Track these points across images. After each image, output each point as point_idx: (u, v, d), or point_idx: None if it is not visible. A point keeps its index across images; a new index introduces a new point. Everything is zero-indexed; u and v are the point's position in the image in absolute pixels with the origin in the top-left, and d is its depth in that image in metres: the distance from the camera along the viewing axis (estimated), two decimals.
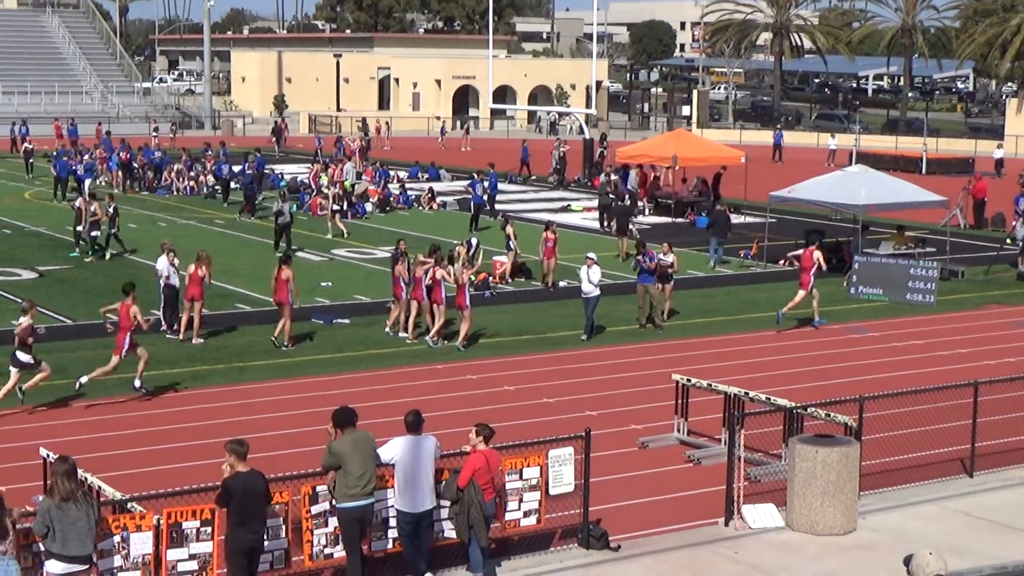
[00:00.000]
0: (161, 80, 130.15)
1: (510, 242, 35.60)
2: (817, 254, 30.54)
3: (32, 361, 22.67)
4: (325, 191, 50.99)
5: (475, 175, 47.50)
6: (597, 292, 28.89)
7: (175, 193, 55.57)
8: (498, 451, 15.67)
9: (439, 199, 52.51)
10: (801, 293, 30.17)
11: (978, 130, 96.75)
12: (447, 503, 15.43)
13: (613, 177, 49.60)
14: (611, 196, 47.26)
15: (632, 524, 17.49)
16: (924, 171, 68.31)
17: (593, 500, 16.76)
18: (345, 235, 43.03)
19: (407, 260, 29.10)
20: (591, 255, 29.31)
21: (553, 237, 34.12)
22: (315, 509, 14.85)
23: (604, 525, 16.79)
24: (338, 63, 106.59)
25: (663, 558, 16.36)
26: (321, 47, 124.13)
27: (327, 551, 14.93)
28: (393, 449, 14.95)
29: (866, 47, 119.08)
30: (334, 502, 14.73)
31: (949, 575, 9.17)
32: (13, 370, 22.54)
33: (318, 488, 14.86)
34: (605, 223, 46.34)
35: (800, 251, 31.54)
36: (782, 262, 37.69)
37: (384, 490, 15.13)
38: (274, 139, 77.05)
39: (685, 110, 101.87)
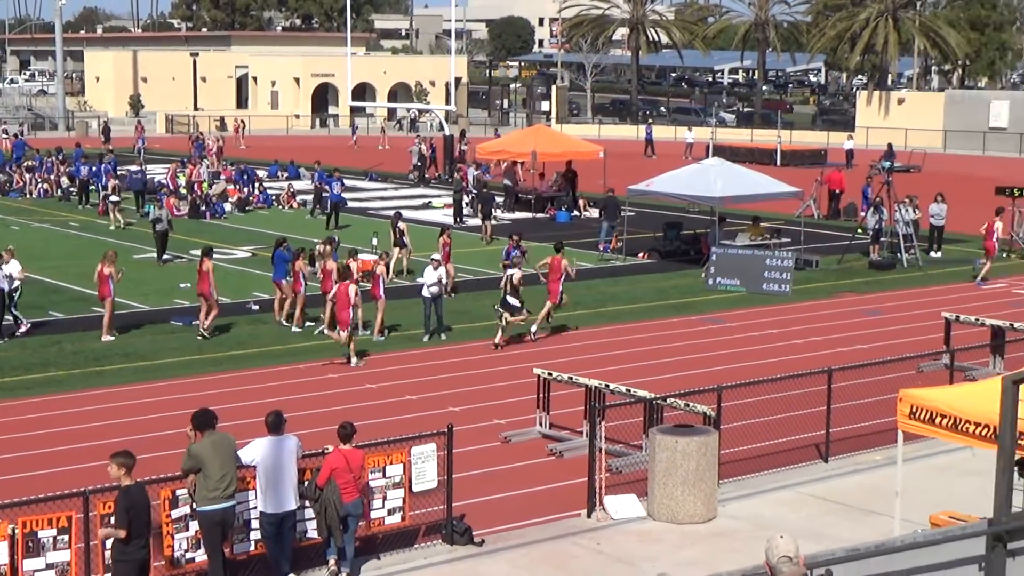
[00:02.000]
0: (12, 81, 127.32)
1: (404, 238, 35.62)
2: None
3: None
4: (183, 191, 50.44)
5: (331, 173, 47.26)
6: (439, 291, 28.76)
7: (28, 196, 54.48)
8: (360, 450, 15.65)
9: (299, 198, 52.14)
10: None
11: (830, 122, 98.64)
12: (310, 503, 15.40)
13: (475, 172, 49.63)
14: (472, 190, 47.46)
15: (496, 518, 17.57)
16: (779, 163, 69.46)
17: (457, 496, 16.81)
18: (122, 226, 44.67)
19: (309, 256, 29.63)
20: (436, 256, 29.29)
21: (449, 242, 33.85)
22: (175, 513, 14.69)
23: (468, 520, 16.85)
24: (195, 62, 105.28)
25: (527, 551, 16.47)
26: (177, 46, 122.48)
27: (188, 555, 14.78)
28: (254, 450, 14.85)
29: (721, 42, 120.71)
30: (194, 505, 14.58)
31: (806, 559, 9.36)
32: None
33: (178, 492, 14.70)
34: (459, 218, 46.49)
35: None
36: (642, 255, 38.24)
37: (246, 492, 15.02)
38: (103, 138, 75.47)
39: (544, 105, 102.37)
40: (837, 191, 50.48)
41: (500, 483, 19.23)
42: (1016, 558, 9.91)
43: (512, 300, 28.09)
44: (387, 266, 29.88)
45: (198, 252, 38.72)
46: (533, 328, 28.81)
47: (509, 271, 28.82)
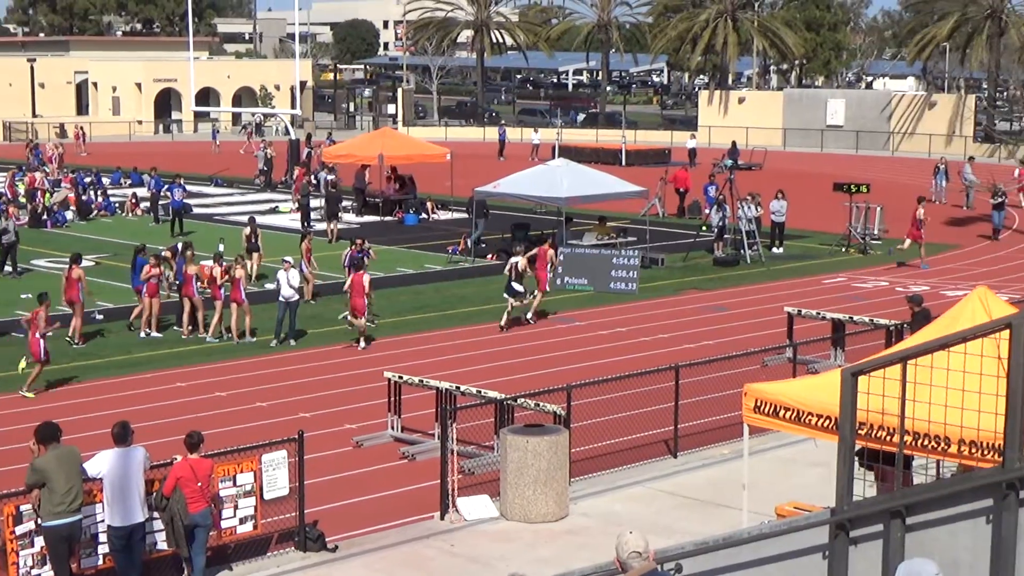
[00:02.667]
0: None
1: (258, 241, 35.32)
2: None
3: None
4: (22, 200, 49.31)
5: (173, 179, 46.57)
6: (296, 296, 28.63)
7: None
8: (209, 459, 15.47)
9: (143, 205, 51.27)
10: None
11: (673, 121, 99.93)
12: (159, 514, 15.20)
13: (329, 177, 49.27)
14: (331, 190, 47.30)
15: (349, 523, 17.51)
16: (624, 163, 70.18)
17: (309, 502, 16.72)
18: None
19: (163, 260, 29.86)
20: (288, 259, 29.10)
21: (310, 247, 33.48)
22: (20, 529, 14.37)
23: (321, 526, 16.78)
24: (32, 68, 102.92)
25: (381, 555, 16.44)
26: (14, 51, 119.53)
27: (35, 572, 14.47)
28: (100, 463, 14.60)
29: (565, 43, 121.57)
30: (40, 521, 14.29)
31: (657, 554, 9.50)
32: None
33: (22, 508, 14.39)
34: (307, 222, 46.17)
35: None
36: (491, 256, 38.38)
37: (92, 505, 14.76)
38: None
39: (391, 108, 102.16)
40: (682, 190, 51.17)
41: (353, 488, 19.17)
42: (858, 546, 10.16)
43: (516, 286, 29.93)
44: (245, 270, 29.68)
45: (41, 262, 37.88)
46: (529, 314, 30.71)
47: (513, 259, 30.31)
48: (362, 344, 28.25)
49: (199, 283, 29.23)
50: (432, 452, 19.67)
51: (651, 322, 31.23)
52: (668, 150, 75.59)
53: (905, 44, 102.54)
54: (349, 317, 28.36)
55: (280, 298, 28.44)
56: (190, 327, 29.14)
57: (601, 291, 34.60)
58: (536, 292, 31.11)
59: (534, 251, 31.57)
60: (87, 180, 53.65)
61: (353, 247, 31.15)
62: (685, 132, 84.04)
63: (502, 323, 30.08)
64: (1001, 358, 9.72)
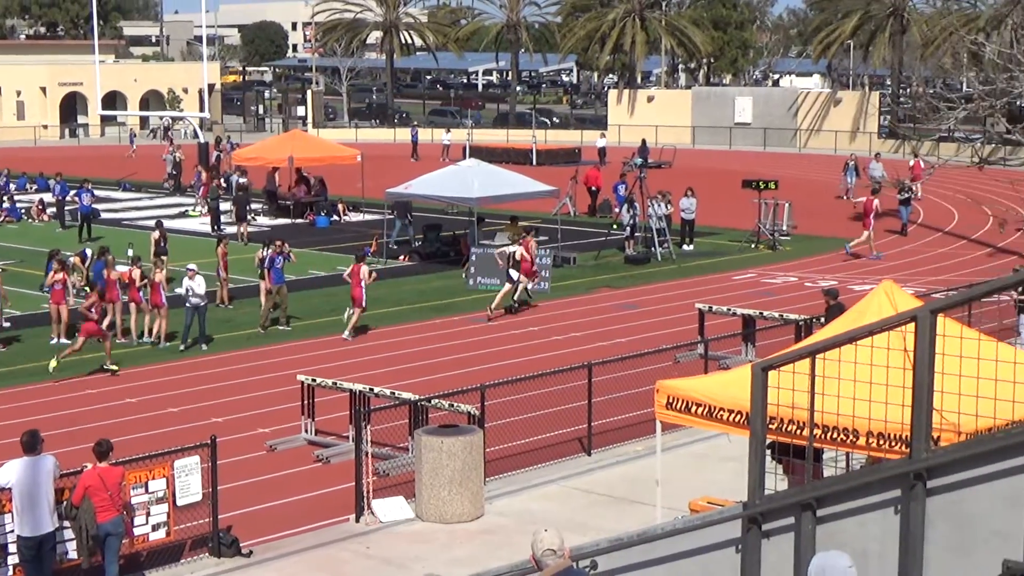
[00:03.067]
0: None
1: (166, 245, 35.08)
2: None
3: None
4: None
5: (81, 184, 46.03)
6: (204, 302, 28.40)
7: None
8: (119, 467, 15.30)
9: (49, 210, 50.58)
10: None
11: (583, 121, 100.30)
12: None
13: (241, 180, 48.93)
14: (239, 193, 47.05)
15: (264, 528, 17.41)
16: (535, 162, 70.33)
17: (223, 507, 16.61)
18: None
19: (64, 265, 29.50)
20: (192, 267, 28.75)
21: (226, 252, 33.14)
22: None
23: (235, 532, 16.66)
24: None
25: (296, 559, 16.37)
26: None
27: None
28: (8, 472, 14.41)
29: (474, 43, 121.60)
30: None
31: (572, 551, 9.54)
32: None
33: None
34: (217, 226, 45.89)
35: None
36: (403, 257, 38.41)
37: (1, 515, 14.55)
38: None
39: (300, 110, 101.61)
40: (594, 188, 51.36)
41: (267, 492, 19.06)
42: (770, 539, 10.26)
43: (514, 273, 31.67)
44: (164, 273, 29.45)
45: None
46: (493, 304, 31.62)
47: (511, 248, 32.11)
48: (347, 334, 29.07)
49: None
50: (346, 454, 19.60)
51: (564, 320, 31.33)
52: (578, 149, 75.85)
53: (810, 42, 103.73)
54: (349, 311, 29.27)
55: (187, 305, 28.24)
56: (112, 332, 28.93)
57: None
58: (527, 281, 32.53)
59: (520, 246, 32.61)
60: (9, 186, 52.87)
61: (273, 248, 30.99)
62: (595, 131, 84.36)
63: (491, 309, 31.41)
64: (907, 351, 9.87)
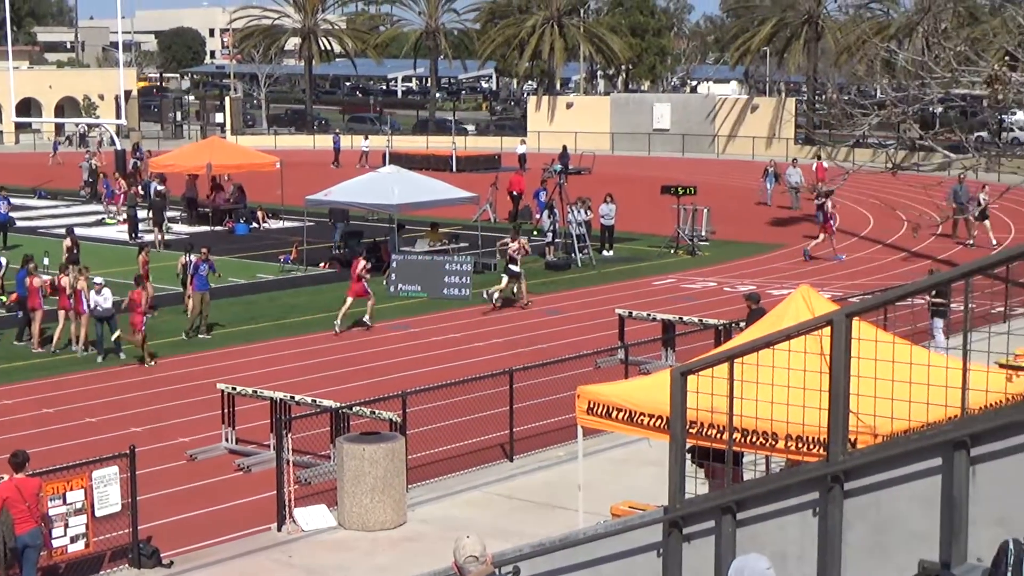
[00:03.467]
0: None
1: (78, 252, 34.92)
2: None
3: None
4: None
5: None
6: (112, 312, 28.11)
7: None
8: (36, 478, 15.14)
9: None
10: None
11: (503, 127, 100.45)
12: None
13: (159, 187, 48.51)
14: (156, 199, 46.81)
15: (185, 538, 17.30)
16: (455, 169, 70.35)
17: (143, 518, 16.50)
18: None
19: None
20: (98, 280, 28.41)
21: (147, 260, 32.84)
22: None
23: (156, 542, 16.55)
24: None
25: (218, 569, 16.29)
26: None
27: None
28: None
29: (393, 50, 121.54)
30: None
31: (494, 557, 9.59)
32: None
33: None
34: (135, 234, 45.54)
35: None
36: (323, 264, 38.27)
37: None
38: None
39: (219, 117, 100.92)
40: (516, 193, 51.42)
41: (188, 502, 18.94)
42: (691, 542, 10.37)
43: (514, 268, 33.17)
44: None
45: None
46: (495, 294, 33.19)
47: (513, 243, 33.51)
48: (337, 327, 30.16)
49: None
50: (268, 463, 19.53)
51: (485, 327, 31.39)
52: (498, 156, 75.92)
53: (727, 49, 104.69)
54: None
55: (94, 316, 28.07)
56: (29, 339, 28.77)
57: (435, 297, 34.66)
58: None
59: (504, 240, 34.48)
60: None
61: (197, 255, 30.83)
62: (515, 138, 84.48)
63: (496, 298, 33.05)
64: (824, 354, 10.00)
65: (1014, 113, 76.94)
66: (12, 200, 47.59)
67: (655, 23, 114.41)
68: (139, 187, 56.66)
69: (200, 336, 30.00)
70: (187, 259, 30.97)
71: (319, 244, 41.22)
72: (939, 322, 26.37)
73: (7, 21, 76.59)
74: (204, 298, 30.28)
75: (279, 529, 17.49)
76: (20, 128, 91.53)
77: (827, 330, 9.80)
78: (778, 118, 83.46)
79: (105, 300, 27.67)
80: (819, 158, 58.22)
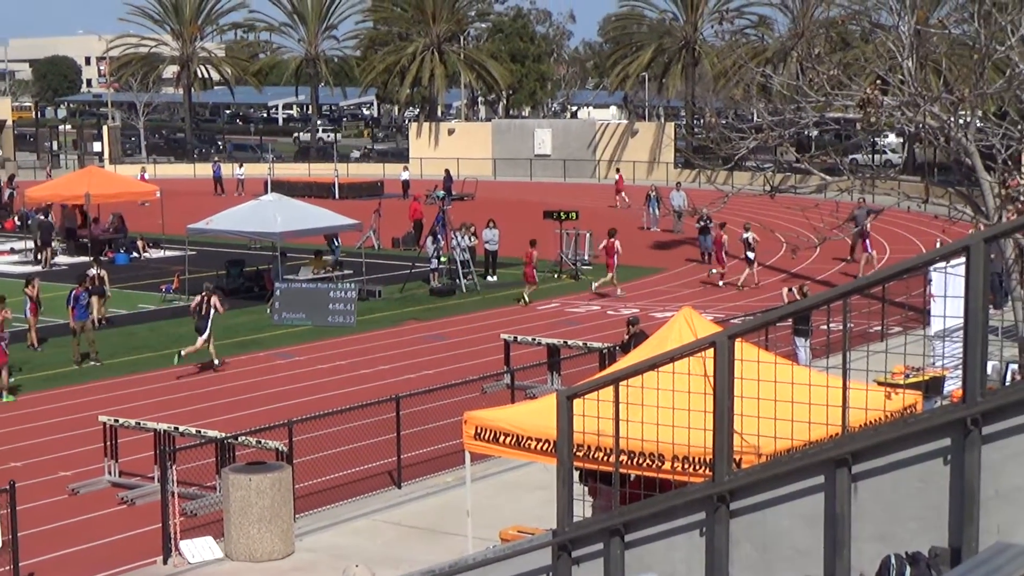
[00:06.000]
0: None
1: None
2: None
3: None
4: None
5: None
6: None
7: None
8: None
9: None
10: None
11: (385, 154, 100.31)
12: None
13: (41, 217, 47.87)
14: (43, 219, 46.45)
15: (69, 574, 17.05)
16: (337, 196, 70.11)
17: (24, 554, 16.23)
18: None
19: None
20: None
21: (35, 292, 32.22)
22: None
23: None
24: None
25: None
26: None
27: None
28: None
29: (274, 77, 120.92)
30: None
31: None
32: None
33: None
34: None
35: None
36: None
37: None
38: None
39: (96, 146, 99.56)
40: (418, 220, 51.24)
41: (71, 537, 18.63)
42: (580, 565, 10.44)
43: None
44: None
45: None
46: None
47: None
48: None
49: None
50: (152, 495, 19.30)
51: (371, 354, 31.30)
52: (381, 182, 75.81)
53: (607, 74, 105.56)
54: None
55: None
56: None
57: (319, 325, 34.49)
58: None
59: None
60: None
61: (80, 286, 30.58)
62: (397, 164, 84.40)
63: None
64: (708, 376, 10.14)
65: (886, 136, 78.62)
66: None
67: (535, 49, 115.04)
68: (14, 218, 55.88)
69: (91, 363, 29.74)
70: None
71: (201, 273, 40.79)
72: (801, 340, 26.83)
73: None
74: (85, 326, 30.09)
75: (165, 562, 17.29)
76: None
77: (710, 351, 9.95)
78: (658, 142, 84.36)
79: None
80: (619, 171, 59.94)
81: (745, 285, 40.30)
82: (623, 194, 66.15)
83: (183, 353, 29.03)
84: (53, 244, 46.70)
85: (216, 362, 29.69)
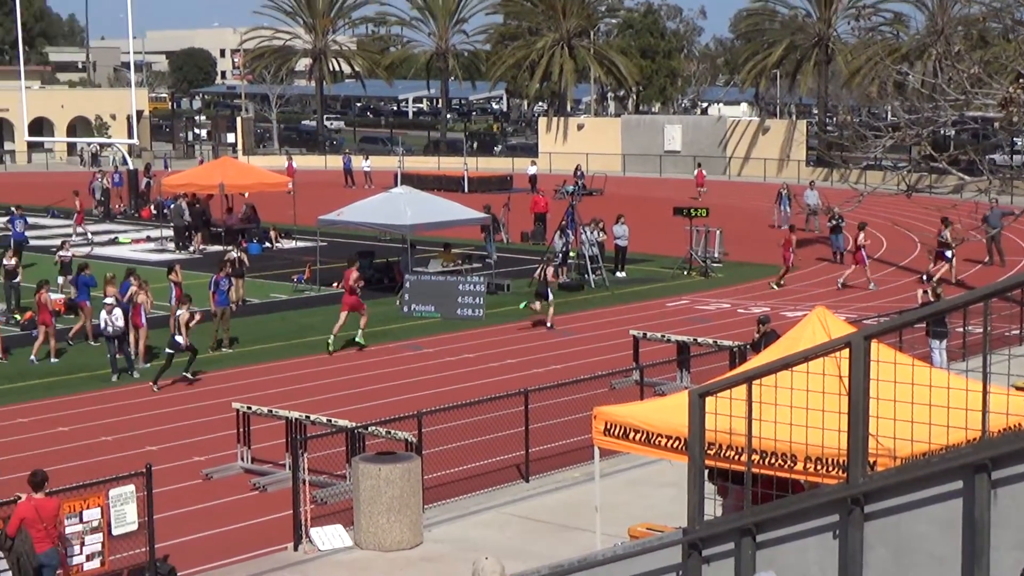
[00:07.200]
0: None
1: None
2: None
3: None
4: None
5: (13, 210, 45.66)
6: (122, 332, 28.20)
7: None
8: (54, 497, 15.18)
9: None
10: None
11: (514, 148, 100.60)
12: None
13: (196, 204, 49.00)
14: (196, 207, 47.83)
15: (201, 557, 17.34)
16: (466, 189, 70.43)
17: (159, 536, 16.53)
18: None
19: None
20: (109, 300, 28.44)
21: (179, 280, 32.88)
22: None
23: (172, 561, 16.59)
24: None
25: None
26: None
27: None
28: None
29: (404, 71, 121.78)
30: None
31: None
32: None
33: None
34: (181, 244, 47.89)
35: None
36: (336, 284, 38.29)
37: None
38: None
39: (230, 137, 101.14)
40: (541, 214, 51.43)
41: (204, 521, 18.97)
42: (710, 564, 10.39)
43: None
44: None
45: None
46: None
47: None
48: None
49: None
50: (284, 483, 19.56)
51: (499, 347, 31.42)
52: (510, 176, 76.04)
53: (738, 71, 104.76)
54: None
55: (103, 336, 28.28)
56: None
57: (448, 318, 34.70)
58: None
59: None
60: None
61: (220, 271, 31.27)
62: (526, 158, 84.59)
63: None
64: (842, 376, 10.04)
65: None
66: (28, 219, 47.76)
67: (665, 45, 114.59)
68: (151, 206, 56.95)
69: (223, 350, 30.28)
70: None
71: (332, 264, 41.25)
72: (936, 343, 26.37)
73: (19, 41, 76.82)
74: (224, 313, 30.64)
75: (295, 549, 17.52)
76: (32, 147, 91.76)
77: (845, 352, 9.84)
78: (789, 140, 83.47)
79: (116, 320, 27.73)
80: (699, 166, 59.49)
81: (943, 279, 39.79)
82: (703, 188, 67.73)
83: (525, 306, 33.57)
84: (193, 233, 47.98)
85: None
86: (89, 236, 44.86)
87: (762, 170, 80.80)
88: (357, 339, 30.84)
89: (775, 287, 39.79)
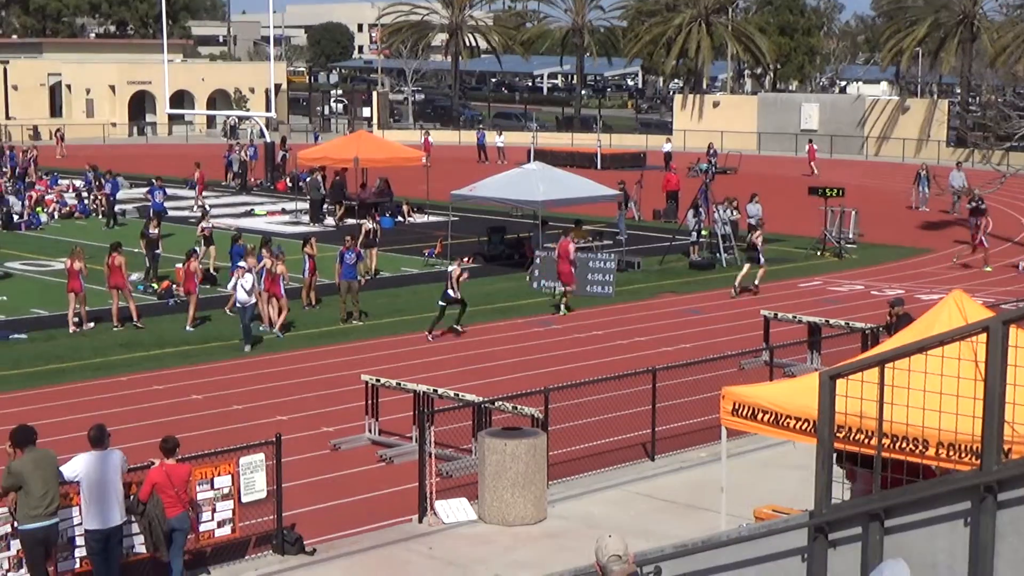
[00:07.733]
0: None
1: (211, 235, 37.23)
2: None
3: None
4: None
5: (153, 181, 46.55)
6: (252, 300, 28.66)
7: None
8: (186, 464, 15.42)
9: (118, 207, 51.05)
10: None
11: (648, 125, 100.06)
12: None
13: (319, 177, 49.62)
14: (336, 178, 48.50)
15: (327, 527, 17.50)
16: (599, 166, 70.21)
17: (287, 505, 16.71)
18: None
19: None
20: (242, 264, 29.02)
21: (314, 252, 33.27)
22: None
23: (299, 529, 16.75)
24: (4, 70, 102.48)
25: (359, 559, 16.43)
26: None
27: (11, 575, 14.42)
28: (77, 466, 14.54)
29: (539, 47, 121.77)
30: (16, 524, 14.23)
31: (636, 557, 9.53)
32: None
33: None
34: (317, 218, 48.80)
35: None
36: (467, 259, 38.47)
37: (69, 508, 14.70)
38: None
39: (366, 111, 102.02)
40: (673, 191, 51.13)
41: (331, 491, 19.15)
42: (837, 548, 10.21)
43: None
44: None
45: (16, 264, 37.96)
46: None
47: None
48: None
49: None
50: (410, 455, 19.66)
51: (627, 325, 31.27)
52: (644, 154, 75.67)
53: (878, 49, 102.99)
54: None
55: (237, 304, 28.73)
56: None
57: (578, 294, 34.56)
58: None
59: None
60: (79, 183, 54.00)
61: (345, 245, 31.62)
62: (660, 136, 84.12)
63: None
64: (978, 361, 9.78)
65: None
66: (167, 191, 48.66)
67: (804, 22, 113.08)
68: (286, 179, 57.68)
69: (355, 323, 30.56)
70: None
71: (464, 239, 41.43)
72: None
73: (163, 15, 78.15)
74: (351, 286, 30.87)
75: (420, 521, 17.60)
76: (173, 120, 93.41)
77: (982, 337, 9.58)
78: (929, 120, 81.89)
79: (246, 285, 28.20)
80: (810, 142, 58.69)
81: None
82: (814, 164, 68.95)
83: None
84: (329, 206, 48.66)
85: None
86: (206, 207, 45.54)
87: (900, 150, 79.40)
88: (561, 310, 32.27)
89: (987, 269, 39.20)
